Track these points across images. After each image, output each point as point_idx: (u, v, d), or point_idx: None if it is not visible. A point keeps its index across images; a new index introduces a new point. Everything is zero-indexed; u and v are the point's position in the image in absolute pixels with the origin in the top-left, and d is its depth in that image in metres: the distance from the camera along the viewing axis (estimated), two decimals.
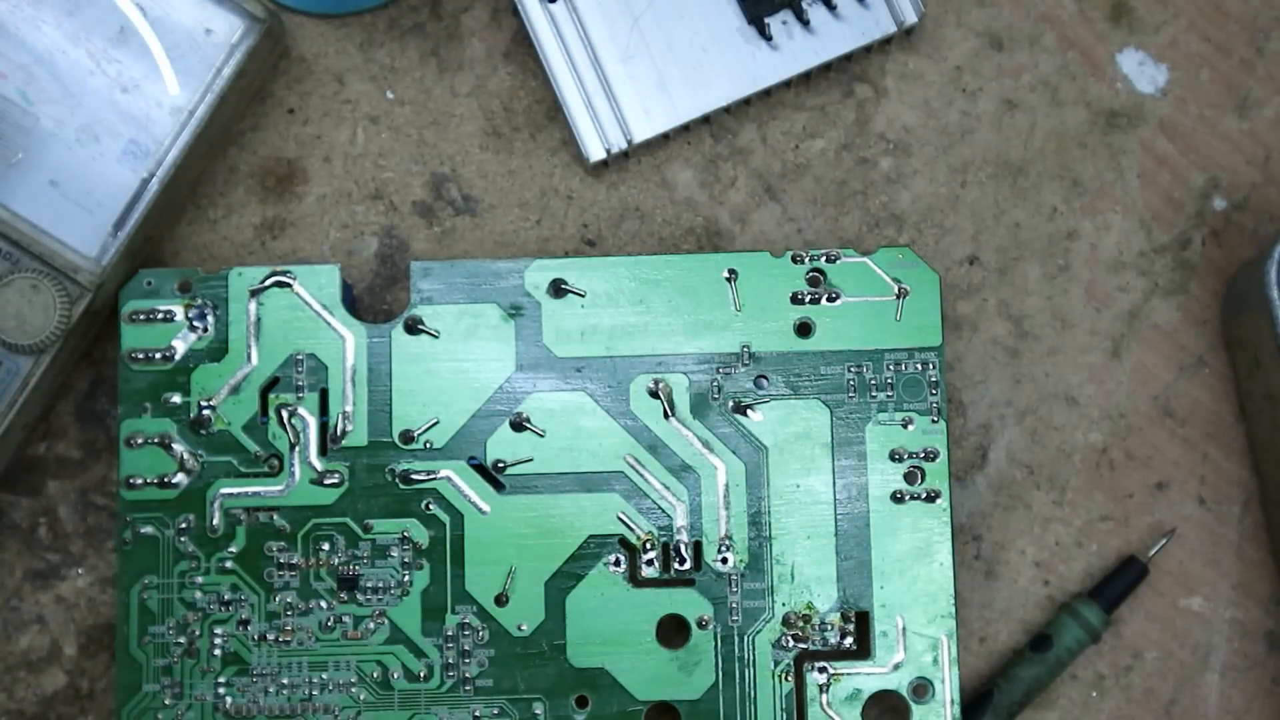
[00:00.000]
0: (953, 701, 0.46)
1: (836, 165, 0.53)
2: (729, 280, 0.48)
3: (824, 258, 0.48)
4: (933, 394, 0.47)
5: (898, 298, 0.48)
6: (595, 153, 0.51)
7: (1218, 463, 0.52)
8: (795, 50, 0.51)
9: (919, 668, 0.47)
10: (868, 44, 0.51)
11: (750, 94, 0.51)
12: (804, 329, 0.48)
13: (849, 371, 0.48)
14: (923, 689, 0.47)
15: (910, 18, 0.51)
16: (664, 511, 0.47)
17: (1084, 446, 0.52)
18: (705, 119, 0.52)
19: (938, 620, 0.47)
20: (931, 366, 0.47)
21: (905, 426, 0.47)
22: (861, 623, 0.47)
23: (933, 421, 0.47)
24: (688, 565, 0.47)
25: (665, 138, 0.52)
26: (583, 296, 0.48)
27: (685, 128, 0.52)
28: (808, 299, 0.48)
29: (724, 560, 0.47)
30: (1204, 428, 0.52)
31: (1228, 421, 0.52)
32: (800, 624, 0.47)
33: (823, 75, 0.53)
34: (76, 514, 0.51)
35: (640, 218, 0.52)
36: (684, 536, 0.47)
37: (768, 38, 0.51)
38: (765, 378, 0.48)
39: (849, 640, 0.47)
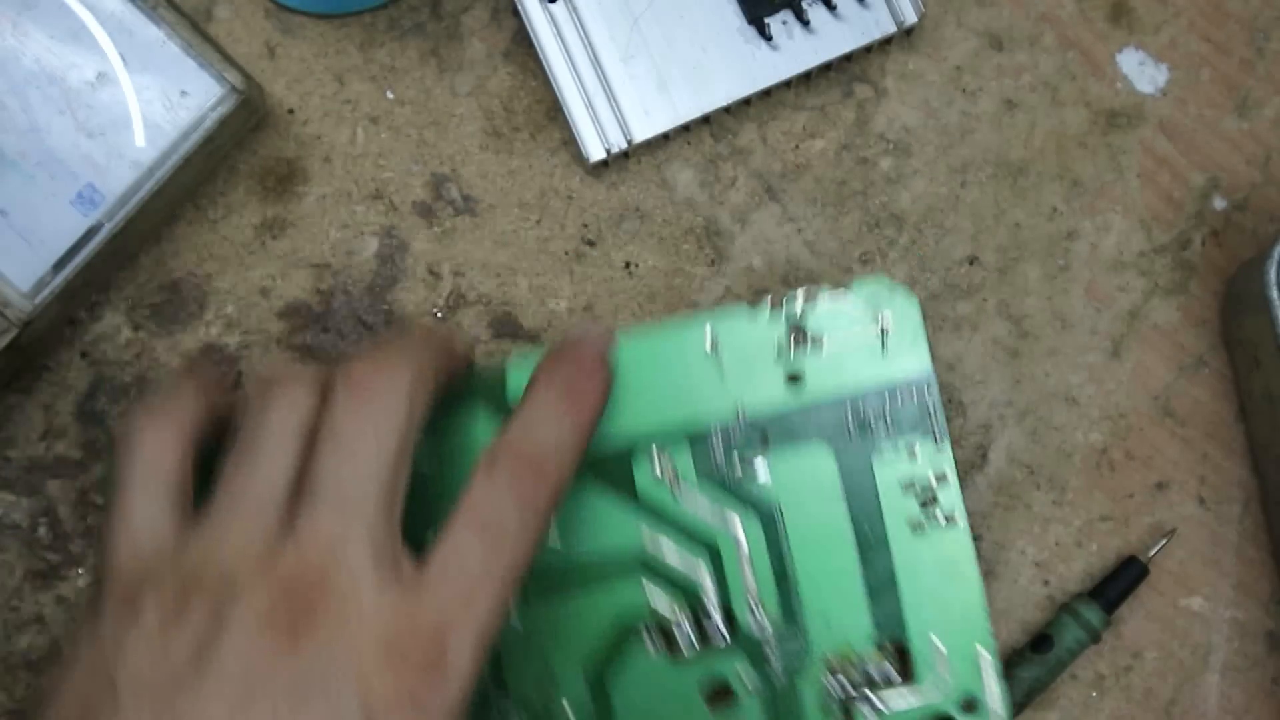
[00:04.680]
0: (1003, 713, 0.46)
1: (836, 165, 0.53)
2: (710, 342, 0.47)
3: (801, 298, 0.47)
4: (931, 420, 0.47)
5: (880, 330, 0.47)
6: (595, 153, 0.51)
7: (1218, 463, 0.52)
8: (795, 50, 0.51)
9: (965, 686, 0.46)
10: (868, 44, 0.51)
11: (750, 94, 0.51)
12: (794, 378, 0.47)
13: (845, 412, 0.47)
14: (972, 705, 0.46)
15: (910, 18, 0.51)
16: (691, 584, 0.47)
17: (1084, 446, 0.52)
18: (705, 119, 0.52)
19: (975, 641, 0.46)
20: (926, 392, 0.47)
21: (911, 456, 0.47)
22: (902, 653, 0.46)
23: (936, 447, 0.47)
24: (724, 631, 0.46)
25: (665, 138, 0.52)
26: None
27: (685, 128, 0.52)
28: (792, 348, 0.47)
29: (758, 619, 0.46)
30: (1204, 428, 0.52)
31: (1228, 421, 0.52)
32: (843, 666, 0.46)
33: (823, 75, 0.53)
34: (76, 514, 0.51)
35: (640, 218, 0.52)
36: (715, 604, 0.47)
37: (768, 38, 0.51)
38: (765, 434, 0.47)
39: (893, 672, 0.46)
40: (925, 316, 0.49)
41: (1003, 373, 0.52)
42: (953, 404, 0.52)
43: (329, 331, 0.51)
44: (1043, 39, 0.53)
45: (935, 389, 0.47)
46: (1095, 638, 0.50)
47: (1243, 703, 0.51)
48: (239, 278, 0.51)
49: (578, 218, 0.52)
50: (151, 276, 0.51)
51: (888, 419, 0.47)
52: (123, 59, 0.48)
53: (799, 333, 0.47)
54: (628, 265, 0.52)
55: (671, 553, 0.46)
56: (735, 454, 0.47)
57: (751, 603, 0.46)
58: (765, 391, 0.47)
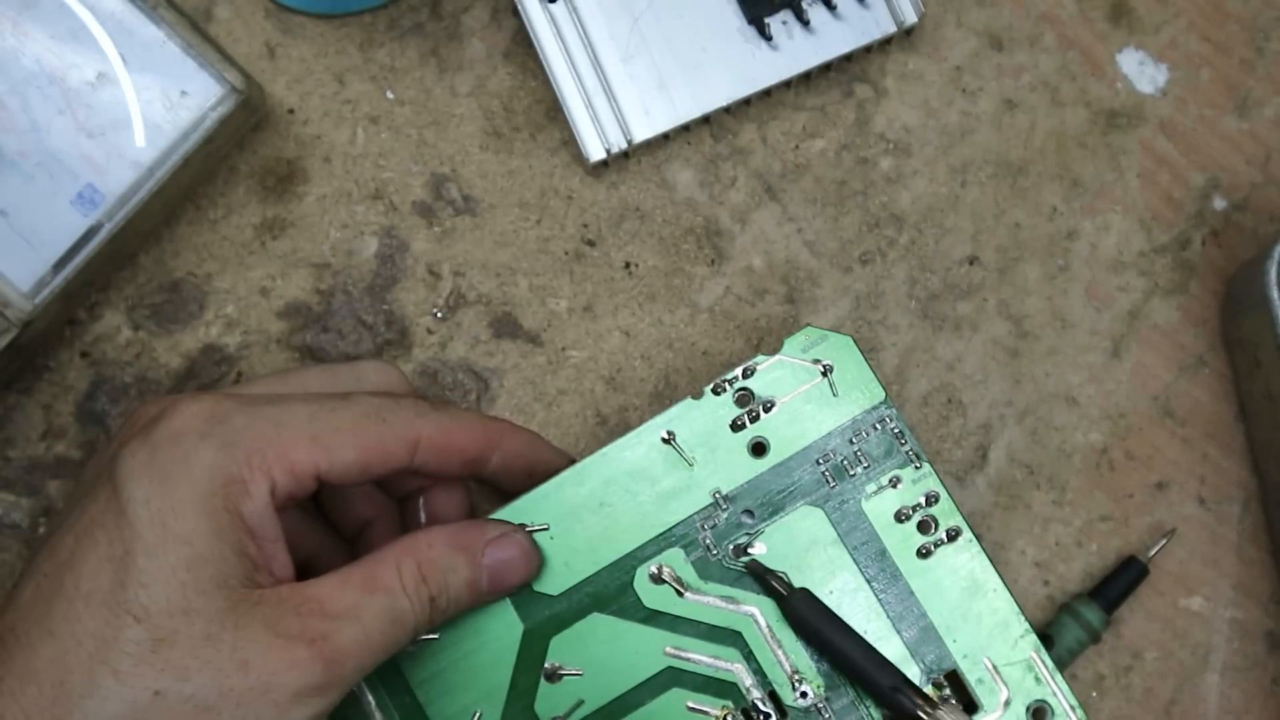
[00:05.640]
0: (1073, 707, 0.46)
1: (836, 165, 0.53)
2: (668, 442, 0.47)
3: (741, 374, 0.47)
4: (902, 444, 0.47)
5: (824, 376, 0.47)
6: (595, 153, 0.51)
7: (1218, 463, 0.52)
8: (795, 50, 0.51)
9: (1028, 694, 0.46)
10: (868, 44, 0.51)
11: (750, 94, 0.51)
12: (759, 449, 0.47)
13: (818, 466, 0.47)
14: (1042, 711, 0.46)
15: (910, 18, 0.51)
16: (727, 680, 0.46)
17: (1084, 446, 0.52)
18: (705, 119, 0.52)
19: (1019, 644, 0.46)
20: (889, 421, 0.47)
21: (895, 486, 0.47)
22: (955, 682, 0.46)
23: (916, 469, 0.47)
24: (774, 717, 0.46)
25: (665, 138, 0.52)
26: (547, 529, 0.46)
27: (685, 128, 0.52)
28: (748, 420, 0.47)
29: (803, 694, 0.46)
30: (1204, 428, 0.52)
31: (1228, 421, 0.52)
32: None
33: (823, 75, 0.53)
34: None
35: (640, 218, 0.52)
36: (757, 692, 0.46)
37: (768, 38, 0.51)
38: (749, 511, 0.47)
39: (953, 703, 0.46)
40: (867, 349, 0.49)
41: (1003, 373, 0.52)
42: (953, 404, 0.52)
43: (329, 331, 0.51)
44: (1043, 39, 0.53)
45: (896, 414, 0.47)
46: (1095, 638, 0.50)
47: (1243, 703, 0.51)
48: (239, 278, 0.51)
49: (578, 218, 0.52)
50: (151, 276, 0.51)
51: (861, 458, 0.47)
52: (123, 59, 0.48)
53: (747, 404, 0.47)
54: (628, 265, 0.52)
55: (698, 657, 0.46)
56: (726, 538, 0.46)
57: (791, 679, 0.46)
58: (735, 468, 0.47)
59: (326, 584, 0.40)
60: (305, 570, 0.42)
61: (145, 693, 0.37)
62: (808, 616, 0.45)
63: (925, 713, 0.44)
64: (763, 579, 0.46)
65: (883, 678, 0.45)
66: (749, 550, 0.46)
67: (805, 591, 0.46)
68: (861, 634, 0.46)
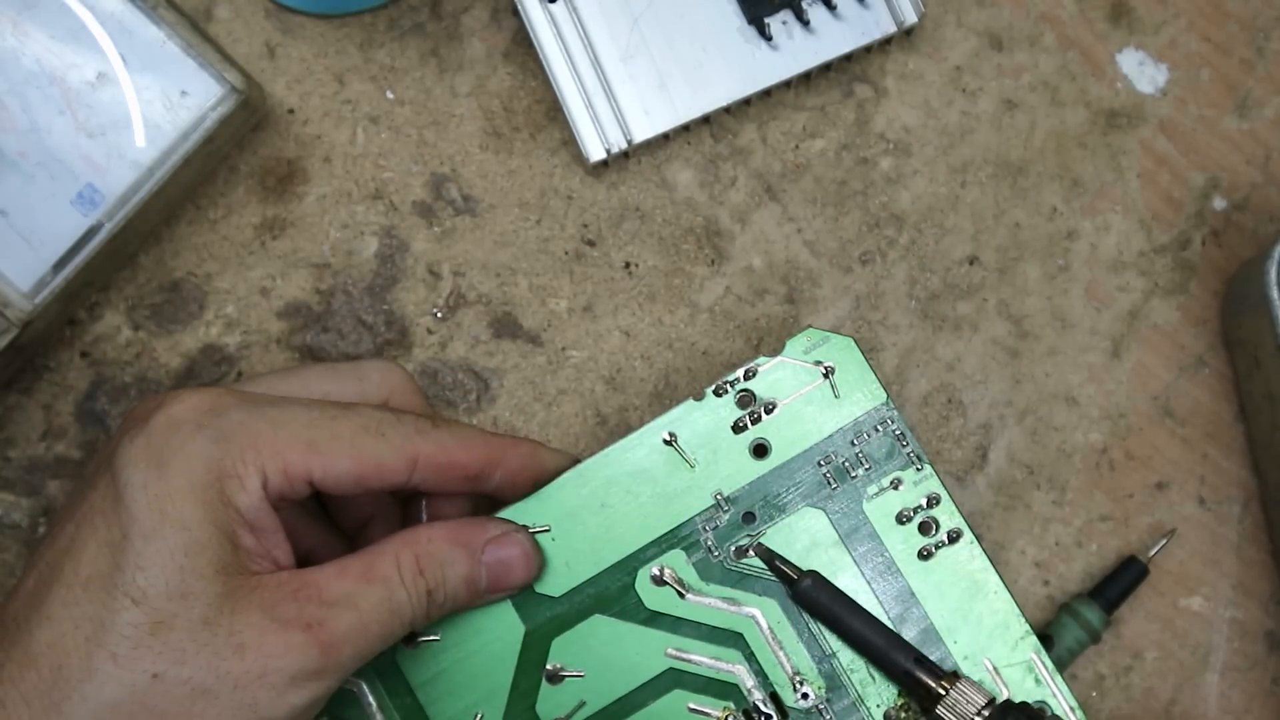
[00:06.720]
0: (1073, 708, 0.46)
1: (836, 165, 0.53)
2: (670, 443, 0.46)
3: (743, 375, 0.47)
4: (904, 446, 0.47)
5: (826, 377, 0.47)
6: (595, 153, 0.51)
7: (1218, 463, 0.52)
8: (795, 50, 0.51)
9: (1027, 694, 0.46)
10: (868, 44, 0.51)
11: (750, 94, 0.51)
12: (760, 450, 0.47)
13: (819, 467, 0.47)
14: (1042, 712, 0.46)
15: (910, 18, 0.51)
16: (729, 681, 0.46)
17: (1084, 446, 0.52)
18: (705, 119, 0.52)
19: (1019, 645, 0.46)
20: (891, 422, 0.47)
21: (896, 488, 0.47)
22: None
23: (917, 470, 0.47)
24: (776, 718, 0.46)
25: (665, 138, 0.52)
26: (548, 530, 0.46)
27: (685, 128, 0.52)
28: (749, 422, 0.47)
29: (805, 696, 0.46)
30: (1204, 428, 0.52)
31: (1228, 421, 0.52)
32: (903, 714, 0.46)
33: (823, 75, 0.53)
34: None
35: (640, 218, 0.52)
36: (758, 694, 0.46)
37: (768, 38, 0.51)
38: (751, 513, 0.47)
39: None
40: (867, 349, 0.49)
41: (1003, 373, 0.52)
42: (953, 404, 0.52)
43: (329, 331, 0.51)
44: (1043, 39, 0.53)
45: (897, 416, 0.47)
46: (1095, 638, 0.50)
47: (1243, 703, 0.51)
48: (239, 278, 0.51)
49: (578, 218, 0.52)
50: (151, 276, 0.51)
51: (862, 460, 0.47)
52: (123, 59, 0.48)
53: (749, 405, 0.47)
54: (628, 265, 0.52)
55: (700, 658, 0.46)
56: (728, 539, 0.46)
57: (793, 681, 0.46)
58: (736, 470, 0.47)
59: (324, 572, 0.40)
60: (305, 564, 0.41)
61: (143, 676, 0.38)
62: (819, 599, 0.45)
63: (944, 689, 0.44)
64: (771, 563, 0.46)
65: (900, 655, 0.45)
66: (751, 551, 0.46)
67: (814, 574, 0.46)
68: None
